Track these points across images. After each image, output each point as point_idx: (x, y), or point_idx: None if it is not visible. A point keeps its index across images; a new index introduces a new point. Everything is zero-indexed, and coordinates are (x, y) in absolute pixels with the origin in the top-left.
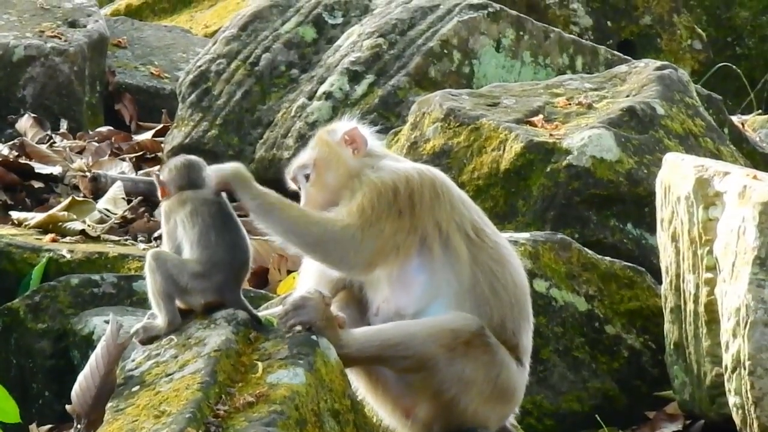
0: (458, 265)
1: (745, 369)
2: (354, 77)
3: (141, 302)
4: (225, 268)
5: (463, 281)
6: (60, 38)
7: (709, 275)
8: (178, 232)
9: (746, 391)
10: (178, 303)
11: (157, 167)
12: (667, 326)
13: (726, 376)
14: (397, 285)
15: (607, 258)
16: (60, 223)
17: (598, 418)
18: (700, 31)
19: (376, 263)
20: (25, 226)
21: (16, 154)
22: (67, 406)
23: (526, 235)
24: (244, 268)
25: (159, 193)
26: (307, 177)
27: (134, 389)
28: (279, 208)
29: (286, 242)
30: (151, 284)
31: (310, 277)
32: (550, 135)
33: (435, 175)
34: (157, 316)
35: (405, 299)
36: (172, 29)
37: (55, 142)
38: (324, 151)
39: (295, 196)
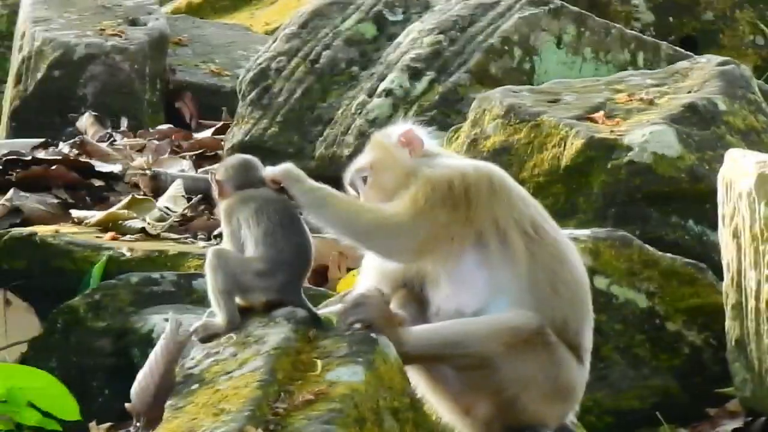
0: (517, 262)
1: None
2: (414, 74)
3: (200, 300)
4: (289, 268)
5: (523, 279)
6: (120, 36)
7: None
8: (241, 231)
9: None
10: (238, 301)
11: (216, 165)
12: (728, 323)
13: None
14: (456, 282)
15: (668, 255)
16: (120, 222)
17: (659, 416)
18: (762, 26)
19: (428, 251)
20: (86, 224)
21: (77, 152)
22: (127, 405)
23: (586, 232)
24: (306, 268)
25: (215, 193)
26: (364, 180)
27: (193, 387)
28: (330, 200)
29: (338, 234)
30: (211, 282)
31: (369, 276)
32: (611, 131)
33: (492, 171)
34: (217, 315)
35: (465, 297)
36: (233, 27)
37: (115, 141)
38: (380, 153)
39: None
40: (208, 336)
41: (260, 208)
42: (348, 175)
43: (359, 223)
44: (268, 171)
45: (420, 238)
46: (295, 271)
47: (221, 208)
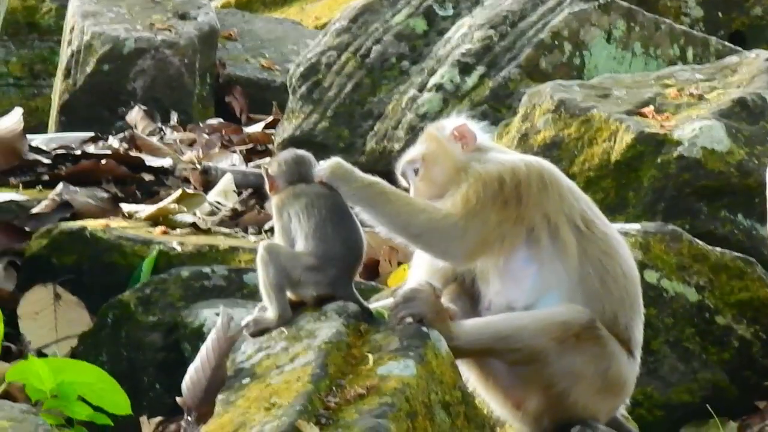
0: (567, 257)
1: None
2: (465, 69)
3: (251, 295)
4: (340, 263)
5: (573, 274)
6: (170, 31)
7: None
8: (292, 226)
9: None
10: (289, 295)
11: (267, 159)
12: None
13: None
14: (507, 278)
15: (718, 249)
16: (170, 216)
17: (709, 409)
18: None
19: (480, 253)
20: (136, 218)
21: (127, 146)
22: (178, 399)
23: (636, 226)
24: (357, 262)
25: (268, 188)
26: (416, 172)
27: (245, 381)
28: (383, 198)
29: (390, 232)
30: (262, 276)
31: (421, 270)
32: (661, 126)
33: (542, 166)
34: (268, 309)
35: (516, 292)
36: (283, 21)
37: (165, 135)
38: (432, 146)
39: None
40: (260, 330)
41: (311, 203)
42: (400, 166)
43: (412, 223)
44: (317, 171)
45: (472, 241)
46: (346, 266)
47: (273, 202)
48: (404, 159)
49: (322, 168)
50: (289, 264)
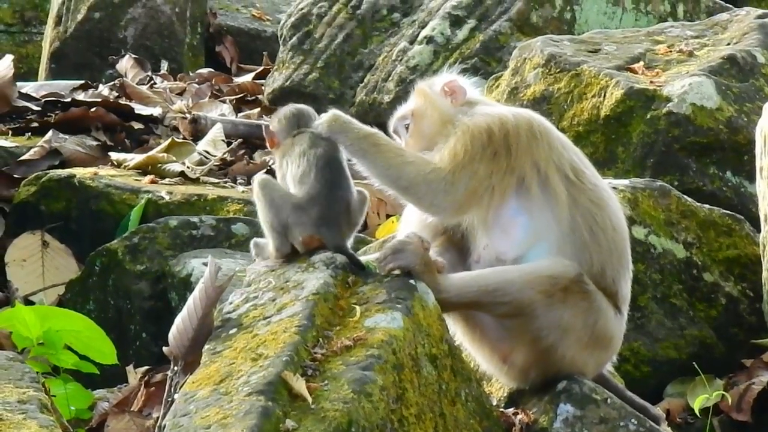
0: (557, 206)
1: None
2: (455, 22)
3: (239, 245)
4: (321, 202)
5: (563, 224)
6: None
7: None
8: (288, 173)
9: None
10: None
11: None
12: (765, 274)
13: None
14: (497, 229)
15: (706, 206)
16: (159, 165)
17: (695, 366)
18: None
19: (469, 205)
20: (125, 167)
21: (117, 94)
22: (164, 348)
23: (625, 181)
24: (342, 206)
25: (268, 144)
26: (407, 128)
27: (231, 332)
28: (375, 149)
29: (381, 184)
30: (259, 212)
31: (410, 222)
32: (651, 82)
33: (531, 116)
34: (267, 242)
35: (505, 244)
36: None
37: (155, 83)
38: (421, 101)
39: None
40: (262, 258)
41: (303, 152)
42: (391, 123)
43: (401, 175)
44: (316, 124)
45: (460, 193)
46: (329, 207)
47: (276, 156)
48: (395, 115)
49: (320, 122)
50: (280, 202)
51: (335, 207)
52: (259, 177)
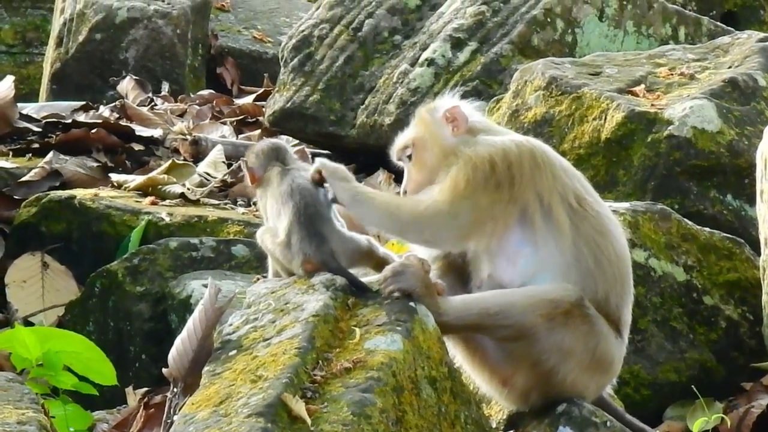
0: (561, 236)
1: None
2: (457, 44)
3: (239, 266)
4: (297, 227)
5: (567, 254)
6: (163, 1)
7: None
8: (268, 206)
9: None
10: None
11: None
12: (765, 298)
13: None
14: (500, 259)
15: (707, 229)
16: (160, 186)
17: (695, 389)
18: None
19: (472, 236)
20: (125, 188)
21: (117, 116)
22: (164, 370)
23: (626, 204)
24: (314, 220)
25: (248, 180)
26: (409, 157)
27: (231, 353)
28: (370, 197)
29: (380, 229)
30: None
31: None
32: (652, 105)
33: (534, 145)
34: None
35: (510, 273)
36: None
37: (156, 105)
38: (422, 130)
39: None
40: None
41: (273, 191)
42: (394, 153)
43: (399, 217)
44: (316, 164)
45: (461, 225)
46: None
47: (257, 190)
48: (396, 145)
49: (322, 161)
50: (272, 247)
51: (311, 225)
52: (259, 231)
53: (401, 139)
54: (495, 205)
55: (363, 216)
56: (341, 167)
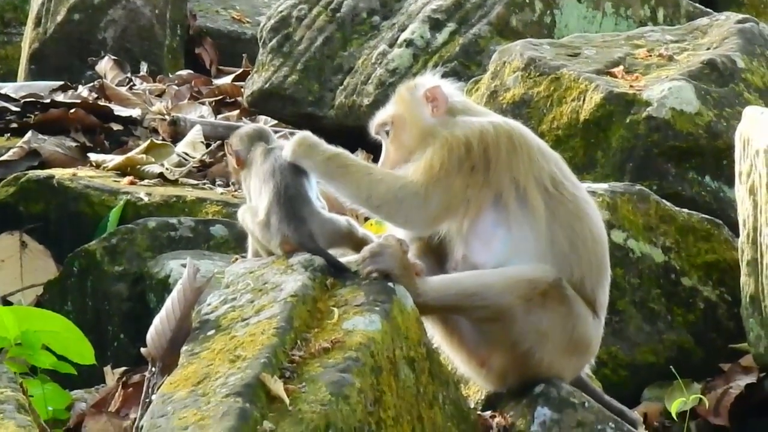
0: (535, 220)
1: None
2: (435, 25)
3: (218, 246)
4: (276, 208)
5: (542, 237)
6: None
7: None
8: (250, 188)
9: None
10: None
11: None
12: (743, 279)
13: None
14: (475, 241)
15: (685, 210)
16: (138, 166)
17: (673, 370)
18: None
19: (443, 218)
20: (103, 168)
21: (96, 96)
22: (143, 349)
23: (604, 186)
24: (293, 201)
25: (234, 163)
26: (387, 134)
27: (210, 333)
28: (343, 171)
29: (353, 204)
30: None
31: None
32: (630, 86)
33: (512, 127)
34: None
35: (484, 255)
36: None
37: (134, 85)
38: (401, 108)
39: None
40: None
41: (256, 171)
42: (372, 127)
43: (371, 194)
44: (285, 149)
45: (433, 208)
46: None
47: (241, 172)
48: (376, 120)
49: (286, 148)
50: (252, 226)
51: (290, 207)
52: (240, 209)
53: (380, 115)
54: (469, 189)
55: (336, 190)
56: (309, 140)
